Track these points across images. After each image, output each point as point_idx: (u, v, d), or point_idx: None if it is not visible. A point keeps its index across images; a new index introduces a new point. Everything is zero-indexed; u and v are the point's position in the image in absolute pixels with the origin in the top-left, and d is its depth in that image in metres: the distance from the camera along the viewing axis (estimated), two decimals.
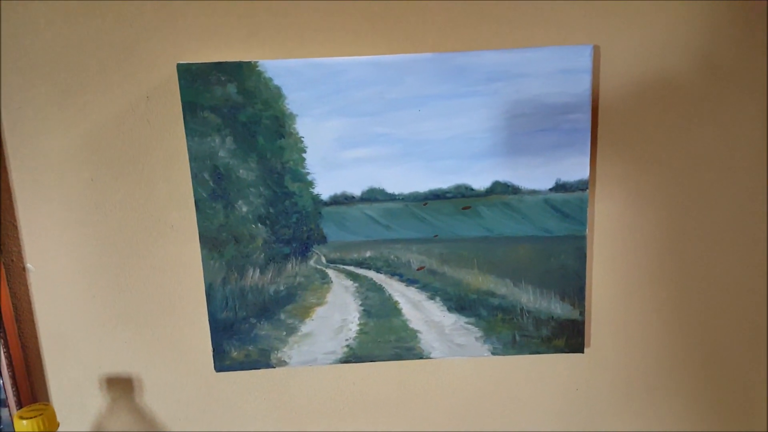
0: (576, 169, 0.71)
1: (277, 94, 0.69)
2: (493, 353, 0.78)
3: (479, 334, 0.77)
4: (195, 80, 0.68)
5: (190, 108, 0.69)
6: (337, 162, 0.71)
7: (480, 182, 0.72)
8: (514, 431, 0.84)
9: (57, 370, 0.79)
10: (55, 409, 0.80)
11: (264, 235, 0.73)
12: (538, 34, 0.69)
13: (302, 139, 0.70)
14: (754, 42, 0.70)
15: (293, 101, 0.69)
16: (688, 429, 0.83)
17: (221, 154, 0.70)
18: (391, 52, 0.70)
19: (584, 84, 0.68)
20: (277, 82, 0.68)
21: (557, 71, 0.68)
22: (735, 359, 0.80)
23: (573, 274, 0.75)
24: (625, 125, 0.72)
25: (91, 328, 0.78)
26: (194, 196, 0.71)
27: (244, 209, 0.72)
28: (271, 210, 0.72)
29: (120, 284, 0.77)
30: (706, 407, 0.82)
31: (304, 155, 0.71)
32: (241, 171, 0.71)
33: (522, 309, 0.76)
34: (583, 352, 0.78)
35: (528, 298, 0.76)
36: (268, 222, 0.73)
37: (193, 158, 0.70)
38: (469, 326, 0.77)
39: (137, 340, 0.79)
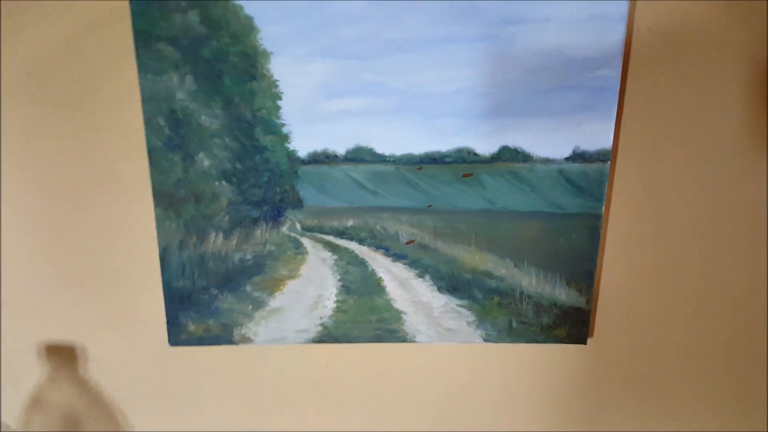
0: (598, 137, 0.61)
1: (249, 27, 0.57)
2: (486, 340, 0.69)
3: (472, 318, 0.68)
4: (150, 6, 0.56)
5: (143, 39, 0.57)
6: (319, 113, 0.60)
7: (485, 146, 0.61)
8: (503, 428, 0.76)
9: None
10: None
11: (229, 195, 0.63)
12: None
13: (277, 83, 0.59)
14: None
15: (268, 36, 0.57)
16: (689, 429, 0.76)
17: (180, 95, 0.59)
18: None
19: (617, 35, 0.57)
20: (248, 11, 0.56)
21: (586, 17, 0.57)
22: (755, 362, 0.72)
23: (583, 257, 0.65)
24: (659, 88, 0.62)
25: (32, 290, 0.69)
26: (147, 145, 0.60)
27: (206, 163, 0.61)
28: (239, 166, 0.62)
29: (64, 242, 0.67)
30: (710, 409, 0.75)
31: (279, 103, 0.60)
32: (203, 117, 0.60)
33: (522, 293, 0.67)
34: (585, 343, 0.69)
35: (530, 281, 0.67)
36: (234, 180, 0.62)
37: (146, 99, 0.59)
38: (461, 309, 0.68)
39: (82, 306, 0.69)
